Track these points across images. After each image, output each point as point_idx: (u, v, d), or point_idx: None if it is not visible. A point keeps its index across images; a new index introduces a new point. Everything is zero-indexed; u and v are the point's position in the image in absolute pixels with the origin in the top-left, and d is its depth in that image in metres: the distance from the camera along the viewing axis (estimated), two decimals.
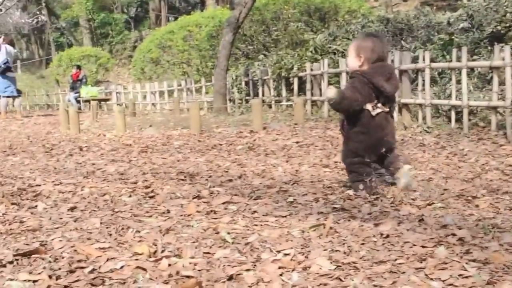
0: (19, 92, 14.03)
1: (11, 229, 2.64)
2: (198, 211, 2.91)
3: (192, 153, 5.35)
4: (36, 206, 3.12)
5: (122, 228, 2.60)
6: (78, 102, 16.43)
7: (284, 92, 10.10)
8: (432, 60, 6.96)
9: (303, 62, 9.75)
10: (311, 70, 9.20)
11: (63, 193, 3.50)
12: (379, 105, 3.28)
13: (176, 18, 23.55)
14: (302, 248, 2.25)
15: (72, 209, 3.03)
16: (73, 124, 8.17)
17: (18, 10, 23.00)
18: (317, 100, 9.09)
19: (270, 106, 10.18)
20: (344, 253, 2.17)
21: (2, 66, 13.14)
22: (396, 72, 7.01)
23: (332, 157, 4.77)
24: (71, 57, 23.89)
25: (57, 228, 2.65)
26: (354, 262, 2.05)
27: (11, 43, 14.00)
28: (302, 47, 11.08)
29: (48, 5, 34.14)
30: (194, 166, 4.53)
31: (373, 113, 3.26)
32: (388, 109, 3.34)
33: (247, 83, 11.48)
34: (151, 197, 3.31)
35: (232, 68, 12.41)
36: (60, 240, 2.42)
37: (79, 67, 17.94)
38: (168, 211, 2.94)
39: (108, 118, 10.99)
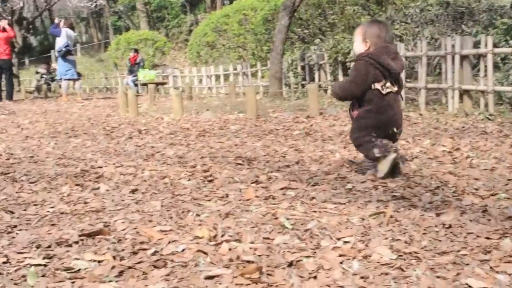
0: (79, 75, 14.36)
1: (75, 209, 2.72)
2: (256, 196, 2.93)
3: (249, 138, 5.37)
4: (98, 187, 3.20)
5: (183, 211, 2.64)
6: (136, 85, 16.70)
7: (340, 77, 10.00)
8: (495, 45, 6.76)
9: None
10: None
11: (124, 175, 3.58)
12: (388, 84, 3.39)
13: (231, 2, 23.58)
14: (362, 236, 2.23)
15: (133, 191, 3.10)
16: (131, 107, 8.32)
17: None
18: None
19: (326, 91, 10.09)
20: (405, 242, 2.15)
21: (63, 49, 13.47)
22: (457, 57, 6.86)
23: None
24: (128, 41, 24.26)
25: (119, 209, 2.71)
26: (415, 252, 2.03)
27: (71, 27, 14.31)
28: None
29: None
30: (251, 150, 4.55)
31: (383, 92, 3.37)
32: (396, 88, 3.46)
33: (303, 68, 11.42)
34: (209, 181, 3.34)
35: (288, 52, 12.36)
36: (123, 222, 2.48)
37: (136, 51, 18.20)
38: (227, 195, 2.96)
39: (165, 102, 11.15)
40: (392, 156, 3.28)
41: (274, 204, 2.78)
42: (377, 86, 3.36)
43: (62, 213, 2.66)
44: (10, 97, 13.99)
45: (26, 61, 31.31)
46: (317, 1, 13.47)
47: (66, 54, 13.54)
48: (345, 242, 2.16)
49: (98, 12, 33.98)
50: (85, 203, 2.84)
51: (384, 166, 3.31)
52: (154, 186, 3.22)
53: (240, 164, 3.93)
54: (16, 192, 3.13)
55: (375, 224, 2.40)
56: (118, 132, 6.21)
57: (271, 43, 13.61)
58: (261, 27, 15.40)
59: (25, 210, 2.74)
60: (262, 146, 4.81)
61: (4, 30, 13.80)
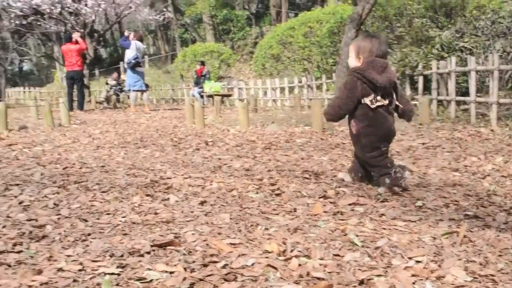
0: (147, 86, 14.70)
1: (146, 219, 2.77)
2: (324, 211, 2.91)
3: (315, 152, 5.35)
4: (168, 198, 3.25)
5: (251, 225, 2.65)
6: (202, 97, 16.95)
7: (408, 91, 9.85)
8: None
9: (429, 60, 9.47)
10: (437, 68, 8.90)
11: (192, 186, 3.63)
12: (378, 98, 3.46)
13: (296, 15, 23.64)
14: (434, 256, 2.18)
15: (202, 203, 3.13)
16: (198, 118, 8.44)
17: (147, 7, 24.07)
18: (444, 100, 8.78)
19: None
20: (480, 264, 2.08)
21: (132, 61, 13.86)
22: None
23: (461, 161, 4.60)
24: (195, 53, 24.67)
25: (189, 221, 2.75)
26: (491, 275, 1.97)
27: (141, 39, 14.69)
28: (427, 44, 10.75)
29: (174, 2, 35.45)
30: (318, 164, 4.53)
31: (372, 106, 3.45)
32: (387, 102, 3.50)
33: None
34: (277, 195, 3.34)
35: None
36: (193, 234, 2.51)
37: (203, 63, 18.48)
38: (295, 210, 2.96)
39: (231, 114, 11.26)
40: (394, 188, 3.40)
41: (343, 220, 2.75)
42: (366, 100, 3.45)
43: (133, 223, 2.71)
44: (81, 107, 14.46)
45: (96, 72, 32.27)
46: (384, 14, 13.34)
47: (135, 66, 13.92)
48: (417, 261, 2.12)
49: (166, 24, 34.70)
50: (156, 213, 2.89)
51: (381, 187, 3.48)
52: (222, 199, 3.24)
53: (307, 178, 3.92)
54: (89, 201, 3.22)
55: (447, 243, 2.34)
56: (185, 143, 6.30)
57: (336, 56, 13.56)
58: (326, 39, 15.36)
59: (98, 218, 2.81)
60: (329, 160, 4.78)
61: (76, 42, 14.31)
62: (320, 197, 3.26)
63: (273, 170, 4.26)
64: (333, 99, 3.64)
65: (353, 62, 3.59)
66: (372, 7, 10.17)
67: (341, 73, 10.01)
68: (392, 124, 3.55)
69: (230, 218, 2.77)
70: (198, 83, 17.93)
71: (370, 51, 3.49)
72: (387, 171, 3.45)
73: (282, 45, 18.60)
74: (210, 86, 16.93)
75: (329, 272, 2.01)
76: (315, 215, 2.85)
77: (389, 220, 2.72)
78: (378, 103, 3.45)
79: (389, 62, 3.73)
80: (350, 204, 3.06)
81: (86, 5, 17.47)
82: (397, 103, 3.60)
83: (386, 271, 2.03)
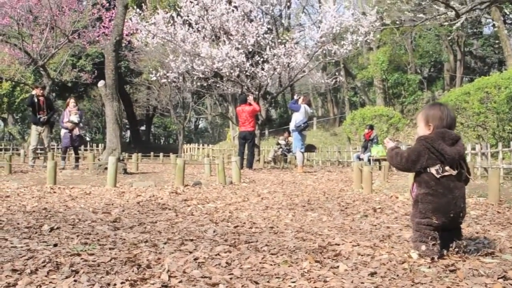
0: (313, 148, 14.99)
1: (315, 287, 2.76)
2: None
3: (491, 226, 5.02)
4: (337, 266, 3.21)
5: None
6: (369, 161, 16.81)
7: None
8: None
9: None
10: None
11: (362, 255, 3.56)
12: (447, 168, 3.46)
13: (471, 79, 22.84)
14: None
15: (372, 274, 3.05)
16: (366, 183, 8.35)
17: (319, 71, 24.66)
18: None
19: None
20: None
21: (302, 125, 14.25)
22: None
23: None
24: (363, 116, 24.67)
25: None
26: None
27: (309, 104, 15.13)
28: None
29: (346, 66, 36.02)
30: (496, 240, 4.23)
31: (437, 176, 3.46)
32: (455, 172, 3.48)
33: None
34: (451, 271, 3.17)
35: None
36: None
37: (371, 127, 18.41)
38: None
39: (399, 179, 10.99)
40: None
41: None
42: (432, 170, 3.48)
43: None
44: (250, 165, 14.99)
45: (266, 132, 33.44)
46: None
47: (303, 129, 14.34)
48: None
49: (336, 87, 35.26)
50: (325, 281, 2.87)
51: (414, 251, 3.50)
52: (392, 271, 3.14)
53: (484, 255, 3.68)
54: (260, 263, 3.28)
55: None
56: (352, 209, 6.24)
57: None
58: (504, 106, 14.60)
59: (268, 281, 2.85)
60: (507, 236, 4.45)
61: (250, 104, 14.99)
62: (499, 278, 3.03)
63: None
64: (404, 151, 3.63)
65: (423, 130, 3.62)
66: None
67: None
68: (456, 197, 3.50)
69: None
70: (365, 147, 17.85)
71: (441, 118, 3.53)
72: (426, 240, 3.46)
73: (455, 111, 17.98)
74: (377, 151, 16.76)
75: None
76: None
77: None
78: (445, 173, 3.47)
79: (461, 136, 3.68)
80: None
81: (262, 69, 18.30)
82: (467, 174, 3.59)
83: None
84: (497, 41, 31.00)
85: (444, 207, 3.49)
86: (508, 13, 27.30)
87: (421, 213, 3.53)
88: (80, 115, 14.16)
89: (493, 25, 25.56)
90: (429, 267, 3.25)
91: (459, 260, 3.43)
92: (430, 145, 3.46)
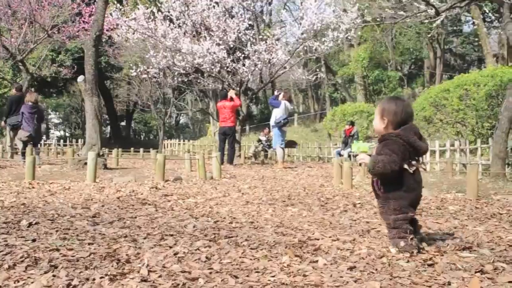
0: (294, 144, 15.03)
1: (295, 281, 2.77)
2: None
3: (469, 221, 5.07)
4: (317, 261, 3.22)
5: None
6: (349, 157, 16.88)
7: None
8: None
9: None
10: None
11: (341, 250, 3.58)
12: (413, 162, 3.56)
13: (451, 77, 23.03)
14: None
15: (351, 268, 3.07)
16: (346, 179, 8.39)
17: (300, 67, 24.71)
18: None
19: None
20: None
21: (282, 121, 14.28)
22: None
23: None
24: (344, 112, 24.80)
25: (338, 286, 2.70)
26: None
27: (289, 100, 15.14)
28: None
29: (327, 63, 36.13)
30: (473, 235, 4.28)
31: (411, 171, 3.53)
32: (418, 164, 3.61)
33: None
34: (429, 265, 3.19)
35: None
36: None
37: (352, 124, 18.49)
38: (449, 283, 2.80)
39: None
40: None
41: None
42: (405, 166, 3.52)
43: (282, 283, 2.72)
44: (231, 161, 14.99)
45: (247, 128, 33.43)
46: None
47: (283, 125, 14.37)
48: None
49: (317, 84, 35.37)
50: (304, 275, 2.88)
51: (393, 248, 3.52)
52: (371, 265, 3.16)
53: (461, 249, 3.71)
54: (239, 257, 3.29)
55: None
56: (332, 204, 6.27)
57: (493, 120, 12.96)
58: (483, 103, 14.75)
59: (247, 276, 2.85)
60: (485, 231, 4.50)
61: (231, 99, 14.98)
62: (476, 272, 3.06)
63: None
64: (381, 156, 3.53)
65: (378, 123, 3.73)
66: None
67: (499, 138, 9.54)
68: (421, 190, 3.69)
69: (380, 287, 2.69)
70: (346, 143, 17.92)
71: (395, 113, 3.59)
72: (405, 235, 3.50)
73: (435, 107, 18.13)
74: (358, 146, 16.76)
75: None
76: None
77: None
78: (414, 167, 3.55)
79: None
80: (510, 282, 2.84)
81: (244, 65, 18.31)
82: (422, 166, 3.71)
83: None
84: (476, 39, 31.33)
85: (416, 201, 3.66)
86: (487, 11, 27.59)
87: (395, 210, 3.56)
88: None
89: (473, 23, 25.87)
90: (408, 261, 3.28)
91: (437, 255, 3.46)
92: (405, 141, 3.50)
